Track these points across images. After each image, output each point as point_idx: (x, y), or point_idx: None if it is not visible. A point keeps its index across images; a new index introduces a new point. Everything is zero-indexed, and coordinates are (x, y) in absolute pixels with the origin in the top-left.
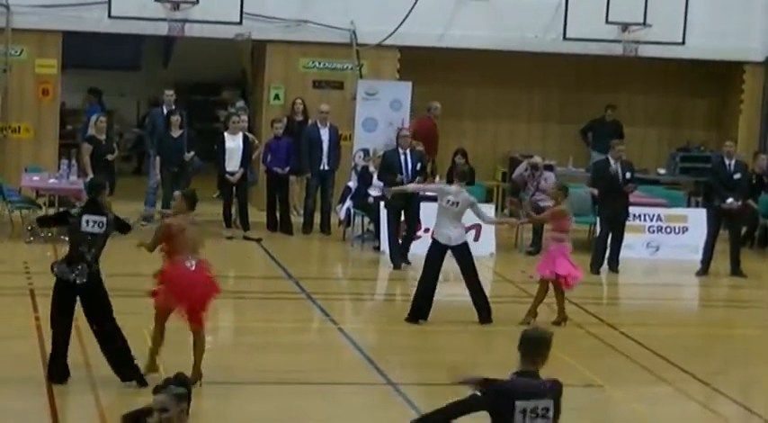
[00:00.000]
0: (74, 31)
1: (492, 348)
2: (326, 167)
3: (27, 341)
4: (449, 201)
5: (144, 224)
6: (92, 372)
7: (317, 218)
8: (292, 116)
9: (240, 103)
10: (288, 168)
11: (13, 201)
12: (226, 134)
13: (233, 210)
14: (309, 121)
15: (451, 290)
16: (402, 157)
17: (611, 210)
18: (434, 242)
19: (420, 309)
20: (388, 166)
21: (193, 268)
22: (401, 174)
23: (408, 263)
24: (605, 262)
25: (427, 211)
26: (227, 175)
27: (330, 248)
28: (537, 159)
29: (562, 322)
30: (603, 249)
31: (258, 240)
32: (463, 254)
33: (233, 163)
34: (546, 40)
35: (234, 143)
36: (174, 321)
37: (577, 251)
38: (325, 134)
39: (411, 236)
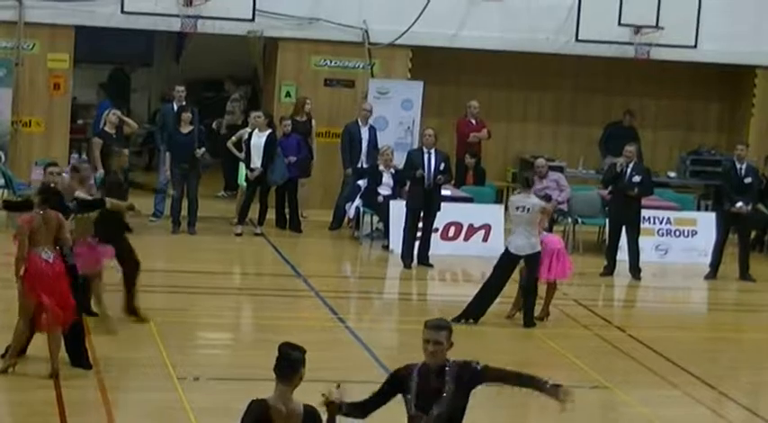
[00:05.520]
0: (86, 25)
1: (501, 349)
2: (364, 166)
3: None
4: (517, 207)
5: (153, 220)
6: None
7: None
8: (294, 116)
9: (235, 95)
10: (294, 159)
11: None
12: (255, 131)
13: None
14: (313, 122)
15: (465, 290)
16: (425, 157)
17: (617, 213)
18: (506, 250)
19: (470, 308)
20: (411, 165)
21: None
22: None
23: (431, 266)
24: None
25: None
26: (248, 172)
27: (339, 247)
28: (540, 161)
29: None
30: (612, 253)
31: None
32: (531, 263)
33: (254, 160)
34: (558, 41)
35: (258, 140)
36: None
37: (587, 253)
38: (365, 132)
39: (428, 238)
